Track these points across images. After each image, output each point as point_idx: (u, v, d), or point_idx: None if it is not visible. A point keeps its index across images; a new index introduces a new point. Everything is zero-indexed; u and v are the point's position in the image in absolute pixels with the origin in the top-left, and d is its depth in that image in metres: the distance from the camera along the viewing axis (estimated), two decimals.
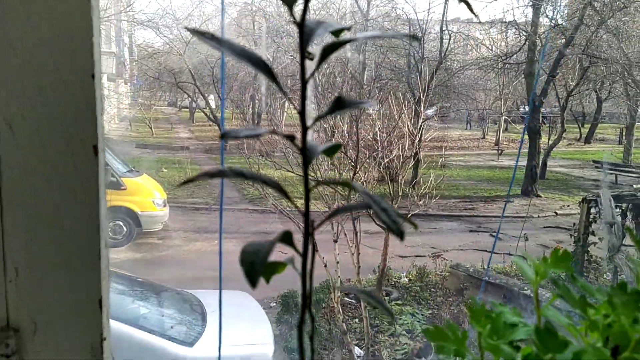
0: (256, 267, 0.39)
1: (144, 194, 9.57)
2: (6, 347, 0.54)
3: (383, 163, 8.21)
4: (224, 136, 0.43)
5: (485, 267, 7.72)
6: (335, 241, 6.13)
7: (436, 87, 16.31)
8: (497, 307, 0.62)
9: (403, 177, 8.58)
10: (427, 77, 13.96)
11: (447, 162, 18.03)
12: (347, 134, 6.50)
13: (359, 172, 6.66)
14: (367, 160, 7.53)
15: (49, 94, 0.53)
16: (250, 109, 19.42)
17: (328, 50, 0.44)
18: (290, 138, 0.47)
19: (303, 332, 0.49)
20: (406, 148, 8.30)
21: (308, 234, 0.47)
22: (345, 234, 6.00)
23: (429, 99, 15.25)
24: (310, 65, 0.47)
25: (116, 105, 20.45)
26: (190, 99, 20.50)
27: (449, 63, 18.40)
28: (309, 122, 0.47)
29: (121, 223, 9.27)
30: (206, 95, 17.82)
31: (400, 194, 8.41)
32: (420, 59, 15.92)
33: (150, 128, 19.99)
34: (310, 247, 0.47)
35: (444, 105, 20.49)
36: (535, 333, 0.53)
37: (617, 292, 0.50)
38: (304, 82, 0.47)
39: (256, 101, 18.35)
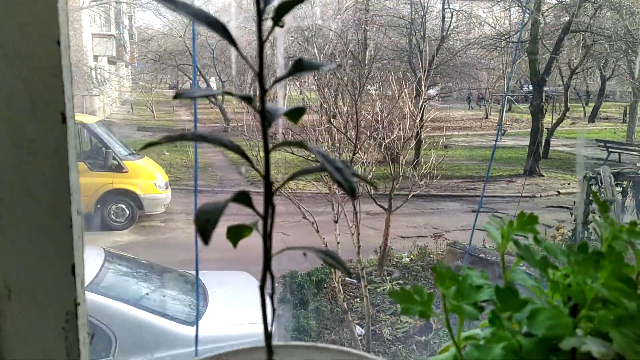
0: (209, 224, 0.40)
1: (146, 177, 9.60)
2: None
3: (384, 144, 8.19)
4: (177, 96, 0.43)
5: (487, 246, 7.75)
6: (336, 222, 6.15)
7: (438, 67, 16.19)
8: (465, 271, 0.63)
9: (404, 157, 8.57)
10: (429, 56, 13.86)
11: (449, 143, 17.99)
12: (347, 114, 6.47)
13: (359, 152, 6.66)
14: (368, 141, 7.52)
15: (12, 62, 0.54)
16: (251, 91, 19.34)
17: (284, 8, 0.44)
18: (247, 99, 0.47)
19: (265, 291, 0.50)
20: (407, 128, 8.28)
21: (268, 196, 0.48)
22: (345, 215, 6.02)
23: (431, 78, 15.15)
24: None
25: (117, 89, 20.42)
26: (191, 82, 20.45)
27: (451, 42, 18.25)
28: (267, 85, 0.48)
29: (123, 206, 9.32)
30: (207, 77, 17.75)
31: (401, 174, 8.41)
32: (422, 38, 15.79)
33: (152, 111, 19.97)
34: (270, 210, 0.48)
35: (446, 85, 20.38)
36: (495, 292, 0.54)
37: (574, 251, 0.51)
38: (261, 43, 0.47)
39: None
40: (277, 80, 0.48)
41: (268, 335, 0.49)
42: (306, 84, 9.78)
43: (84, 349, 0.61)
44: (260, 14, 0.46)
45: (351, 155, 5.91)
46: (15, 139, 0.55)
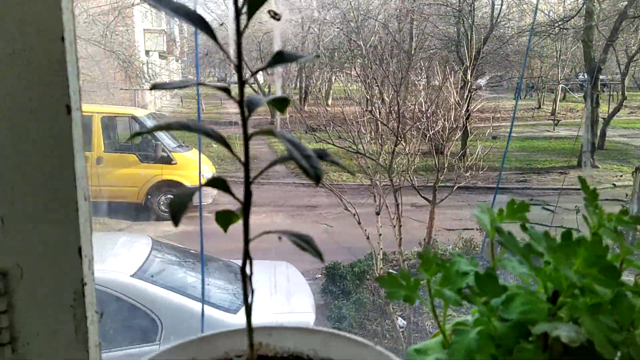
0: (179, 207, 0.42)
1: (194, 168, 9.83)
2: None
3: (428, 135, 8.09)
4: (154, 87, 0.46)
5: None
6: (378, 213, 6.14)
7: (487, 56, 15.82)
8: (455, 257, 0.63)
9: (449, 149, 8.45)
10: (477, 45, 13.55)
11: (498, 134, 17.55)
12: (389, 105, 6.43)
13: (402, 143, 6.61)
14: (412, 132, 7.45)
15: (19, 57, 0.58)
16: (298, 83, 19.45)
17: (255, 3, 0.46)
18: (225, 90, 0.49)
19: (246, 273, 0.52)
20: (452, 119, 8.15)
21: (247, 183, 0.50)
22: (387, 207, 6.00)
23: (480, 68, 14.81)
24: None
25: None
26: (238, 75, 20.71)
27: (502, 30, 17.74)
28: (246, 76, 0.50)
29: (172, 196, 9.58)
30: (253, 70, 17.95)
31: (446, 166, 8.29)
32: (470, 26, 15.44)
33: (201, 104, 20.36)
34: (249, 196, 0.50)
35: (496, 74, 19.86)
36: (474, 278, 0.54)
37: (550, 239, 0.51)
38: (239, 35, 0.49)
39: (304, 75, 18.33)
40: (256, 72, 0.50)
41: (249, 314, 0.51)
42: (352, 75, 9.76)
43: (92, 326, 0.65)
44: (237, 9, 0.48)
45: (393, 146, 5.87)
46: (23, 130, 0.59)
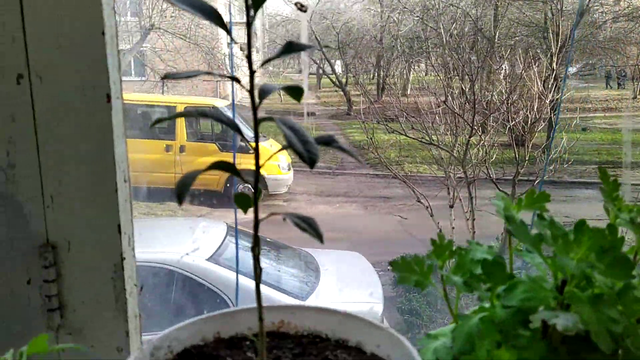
0: (184, 187, 0.46)
1: (271, 158, 10.07)
2: (45, 260, 0.68)
3: (508, 125, 7.81)
4: (165, 77, 0.49)
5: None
6: (451, 206, 6.02)
7: (578, 42, 14.95)
8: (472, 245, 0.63)
9: (531, 140, 8.11)
10: (566, 31, 12.83)
11: (588, 125, 16.59)
12: (466, 96, 6.27)
13: (478, 134, 6.43)
14: (490, 123, 7.22)
15: (66, 51, 0.64)
16: (376, 73, 19.32)
17: None
18: (235, 80, 0.52)
19: (256, 252, 0.55)
20: (535, 109, 7.81)
21: (257, 167, 0.53)
22: (461, 200, 5.87)
23: (569, 55, 14.00)
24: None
25: (248, 74, 21.33)
26: (317, 65, 20.94)
27: (596, 15, 16.70)
28: (255, 66, 0.52)
29: (249, 185, 9.87)
30: (332, 61, 18.05)
31: (527, 158, 7.97)
32: (559, 11, 14.64)
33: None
34: (258, 180, 0.53)
35: (587, 63, 18.76)
36: (482, 264, 0.54)
37: (556, 227, 0.50)
38: (249, 28, 0.52)
39: (382, 65, 18.18)
40: (266, 61, 0.53)
41: (258, 292, 0.55)
42: (428, 65, 9.56)
43: (130, 298, 0.71)
44: (247, 3, 0.50)
45: (467, 137, 5.72)
46: (69, 117, 0.66)
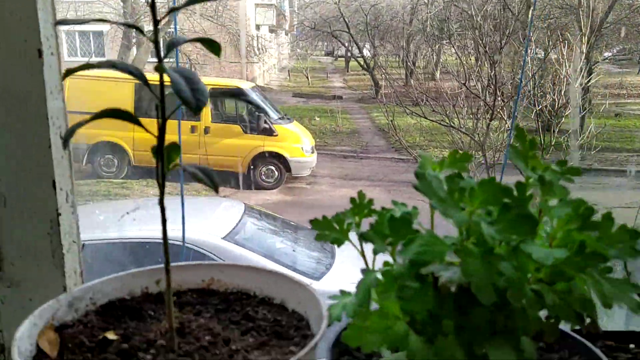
0: (69, 133, 0.46)
1: (294, 141, 10.08)
2: None
3: (535, 110, 7.64)
4: (58, 23, 0.49)
5: None
6: None
7: (614, 25, 14.45)
8: (396, 205, 0.62)
9: (558, 125, 7.92)
10: (601, 13, 12.40)
11: (622, 111, 16.08)
12: (488, 79, 6.13)
13: (502, 118, 6.30)
14: (518, 108, 7.07)
15: None
16: (405, 56, 19.05)
17: None
18: (137, 29, 0.51)
19: (163, 205, 0.55)
20: (562, 94, 7.62)
21: (163, 120, 0.52)
22: None
23: (604, 39, 13.60)
24: None
25: (276, 56, 21.43)
26: (345, 48, 20.76)
27: None
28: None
29: (273, 168, 9.93)
30: (360, 43, 17.88)
31: (552, 143, 7.80)
32: None
33: (307, 77, 20.71)
34: (163, 134, 0.52)
35: (624, 47, 18.13)
36: (388, 220, 0.53)
37: (454, 182, 0.48)
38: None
39: (410, 49, 17.92)
40: (171, 10, 0.52)
41: (166, 247, 0.54)
42: (455, 48, 9.39)
43: (69, 254, 0.71)
44: None
45: (488, 121, 5.62)
46: None
